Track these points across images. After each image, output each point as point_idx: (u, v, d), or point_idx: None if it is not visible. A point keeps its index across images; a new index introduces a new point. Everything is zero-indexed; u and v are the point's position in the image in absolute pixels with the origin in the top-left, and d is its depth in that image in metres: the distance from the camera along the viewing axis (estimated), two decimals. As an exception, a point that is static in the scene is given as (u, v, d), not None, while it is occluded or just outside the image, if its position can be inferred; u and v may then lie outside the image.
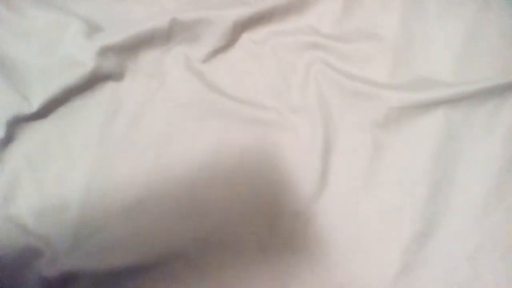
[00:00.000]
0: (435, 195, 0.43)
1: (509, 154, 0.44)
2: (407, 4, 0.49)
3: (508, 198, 0.42)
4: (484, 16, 0.50)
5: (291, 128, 0.45)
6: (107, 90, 0.46)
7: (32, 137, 0.44)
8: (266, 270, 0.41)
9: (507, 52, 0.48)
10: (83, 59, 0.45)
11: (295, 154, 0.45)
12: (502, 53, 0.48)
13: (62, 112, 0.45)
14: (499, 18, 0.50)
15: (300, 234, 0.42)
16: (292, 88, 0.47)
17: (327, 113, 0.46)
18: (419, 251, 0.41)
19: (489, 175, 0.43)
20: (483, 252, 0.41)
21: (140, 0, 0.50)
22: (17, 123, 0.43)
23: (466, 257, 0.41)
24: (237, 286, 0.40)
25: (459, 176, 0.43)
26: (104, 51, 0.45)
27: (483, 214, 0.42)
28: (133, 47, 0.46)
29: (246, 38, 0.49)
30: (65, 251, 0.40)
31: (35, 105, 0.44)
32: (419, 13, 0.49)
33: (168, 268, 0.40)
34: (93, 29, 0.47)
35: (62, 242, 0.40)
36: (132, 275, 0.40)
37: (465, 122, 0.45)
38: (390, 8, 0.49)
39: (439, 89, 0.45)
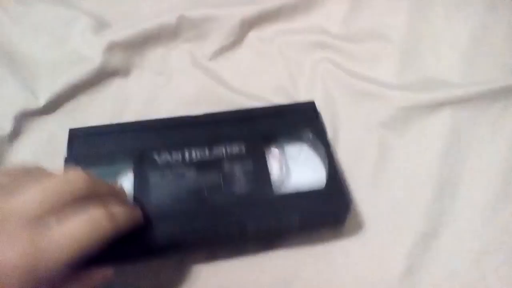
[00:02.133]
0: (440, 195, 0.42)
1: None
2: (414, 5, 0.50)
3: None
4: (491, 17, 0.50)
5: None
6: (114, 86, 0.46)
7: (39, 131, 0.44)
8: (269, 267, 0.41)
9: None
10: (90, 55, 0.45)
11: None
12: (509, 54, 0.48)
13: (69, 108, 0.45)
14: (506, 19, 0.50)
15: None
16: (299, 86, 0.47)
17: (334, 112, 0.46)
18: (424, 252, 0.41)
19: (495, 177, 0.43)
20: (488, 254, 0.41)
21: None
22: (25, 117, 0.44)
23: (471, 259, 0.40)
24: (239, 282, 0.40)
25: (465, 177, 0.43)
26: (111, 47, 0.45)
27: (489, 216, 0.42)
28: (140, 43, 0.46)
29: (253, 36, 0.49)
30: None
31: (42, 100, 0.44)
32: (426, 14, 0.50)
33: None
34: (100, 25, 0.47)
35: None
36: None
37: (472, 123, 0.45)
38: (397, 9, 0.50)
39: (445, 90, 0.45)
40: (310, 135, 0.40)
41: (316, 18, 0.50)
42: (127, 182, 0.38)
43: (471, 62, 0.48)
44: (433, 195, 0.42)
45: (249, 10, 0.48)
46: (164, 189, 0.36)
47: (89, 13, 0.48)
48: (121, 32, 0.46)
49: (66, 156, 0.39)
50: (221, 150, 0.39)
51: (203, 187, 0.37)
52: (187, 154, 0.38)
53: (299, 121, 0.41)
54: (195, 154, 0.38)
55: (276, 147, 0.40)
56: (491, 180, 0.43)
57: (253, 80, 0.47)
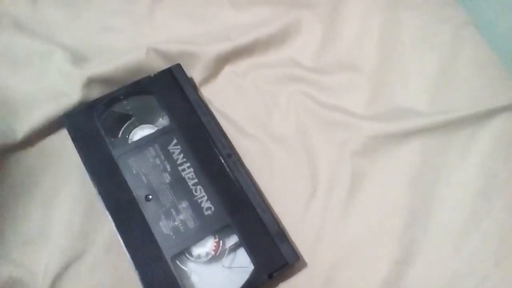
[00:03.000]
0: (412, 223, 0.43)
1: (484, 181, 0.45)
2: (384, 36, 0.51)
3: (484, 224, 0.43)
4: (457, 46, 0.52)
5: (272, 157, 0.46)
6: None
7: (17, 167, 0.45)
8: None
9: (481, 82, 0.50)
10: (69, 89, 0.46)
11: (277, 183, 0.45)
12: (476, 82, 0.50)
13: (48, 142, 0.46)
14: (472, 48, 0.52)
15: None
16: (273, 118, 0.48)
17: (308, 142, 0.47)
18: (398, 279, 0.41)
19: (464, 203, 0.44)
20: (460, 279, 0.41)
21: (124, 31, 0.52)
22: (2, 153, 0.44)
23: (444, 285, 0.41)
24: None
25: (436, 204, 0.44)
26: (90, 82, 0.46)
27: (460, 241, 0.43)
28: (119, 78, 0.47)
29: (228, 70, 0.50)
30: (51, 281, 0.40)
31: (19, 135, 0.45)
32: (396, 45, 0.51)
33: None
34: (77, 59, 0.48)
35: (48, 272, 0.40)
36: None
37: (441, 150, 0.46)
38: (367, 40, 0.51)
39: (414, 119, 0.47)
40: None
41: (289, 51, 0.52)
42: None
43: (438, 91, 0.49)
44: (405, 223, 0.43)
45: (224, 47, 0.50)
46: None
47: (65, 47, 0.49)
48: (99, 67, 0.47)
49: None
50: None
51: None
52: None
53: None
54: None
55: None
56: (461, 206, 0.44)
57: (229, 112, 0.48)
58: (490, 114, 0.47)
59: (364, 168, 0.45)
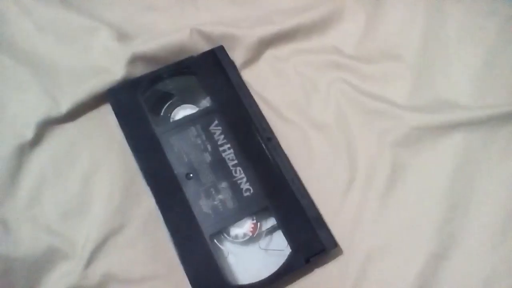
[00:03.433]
0: (452, 217, 0.43)
1: None
2: (427, 26, 0.50)
3: None
4: (504, 41, 0.50)
5: (311, 143, 0.46)
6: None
7: (60, 139, 0.45)
8: None
9: None
10: (113, 66, 0.47)
11: (315, 169, 0.45)
12: (520, 77, 0.49)
13: (90, 116, 0.47)
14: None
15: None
16: (313, 104, 0.48)
17: (348, 131, 0.47)
18: (434, 273, 0.41)
19: (505, 200, 0.43)
20: (498, 278, 0.40)
21: (168, 11, 0.52)
22: (46, 125, 0.45)
23: (482, 281, 0.40)
24: None
25: (476, 199, 0.43)
26: (134, 60, 0.47)
27: (499, 238, 0.42)
28: (162, 57, 0.48)
29: (270, 54, 0.50)
30: (90, 252, 0.41)
31: (64, 108, 0.45)
32: (440, 35, 0.50)
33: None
34: (122, 36, 0.49)
35: (87, 243, 0.41)
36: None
37: (484, 146, 0.45)
38: (411, 29, 0.50)
39: (458, 112, 0.46)
40: None
41: (331, 38, 0.51)
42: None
43: (482, 85, 0.48)
44: (444, 216, 0.43)
45: (267, 30, 0.49)
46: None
47: (110, 24, 0.50)
48: (144, 44, 0.47)
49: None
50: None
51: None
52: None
53: None
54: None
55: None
56: (501, 203, 0.43)
57: (269, 96, 0.48)
58: None
59: (404, 159, 0.45)
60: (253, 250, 0.41)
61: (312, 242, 0.39)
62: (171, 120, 0.46)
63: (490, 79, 0.49)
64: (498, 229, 0.42)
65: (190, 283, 0.37)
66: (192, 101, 0.47)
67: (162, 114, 0.46)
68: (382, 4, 0.52)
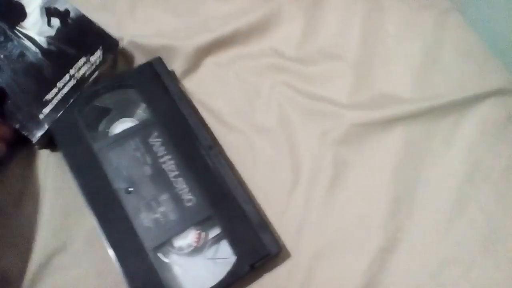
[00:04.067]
0: (397, 210, 0.43)
1: (469, 167, 0.45)
2: (366, 24, 0.51)
3: (469, 211, 0.43)
4: (441, 33, 0.51)
5: (255, 148, 0.46)
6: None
7: None
8: None
9: (464, 67, 0.50)
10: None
11: (260, 174, 0.45)
12: (459, 68, 0.50)
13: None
14: (457, 34, 0.52)
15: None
16: (256, 110, 0.48)
17: (291, 133, 0.46)
18: (381, 267, 0.41)
19: (450, 189, 0.44)
20: (446, 267, 0.41)
21: (105, 24, 0.51)
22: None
23: (429, 273, 0.41)
24: None
25: (420, 192, 0.44)
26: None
27: (445, 229, 0.42)
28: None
29: (210, 61, 0.50)
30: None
31: None
32: (378, 32, 0.51)
33: None
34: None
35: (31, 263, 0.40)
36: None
37: (425, 137, 0.46)
38: (350, 28, 0.51)
39: (398, 106, 0.46)
40: None
41: (271, 41, 0.51)
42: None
43: (423, 78, 0.49)
44: (389, 210, 0.43)
45: (204, 39, 0.49)
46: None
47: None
48: None
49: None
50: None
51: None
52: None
53: None
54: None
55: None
56: (446, 193, 0.44)
57: (211, 104, 0.48)
58: (476, 99, 0.47)
59: (347, 157, 0.45)
60: (199, 260, 0.40)
61: (255, 247, 0.39)
62: (109, 135, 0.45)
63: (431, 71, 0.50)
64: (444, 219, 0.43)
65: None
66: (131, 114, 0.46)
67: (100, 129, 0.45)
68: (320, 5, 0.53)
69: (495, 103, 0.47)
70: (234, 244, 0.39)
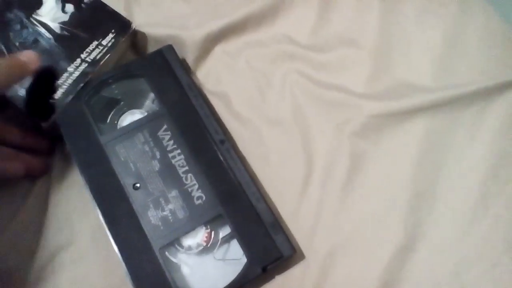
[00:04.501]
0: (417, 206, 0.41)
1: (494, 160, 0.42)
2: (384, 8, 0.48)
3: (494, 208, 0.40)
4: (464, 17, 0.48)
5: (267, 141, 0.44)
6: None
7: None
8: None
9: (489, 54, 0.47)
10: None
11: (272, 168, 0.43)
12: (483, 55, 0.47)
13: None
14: (480, 19, 0.48)
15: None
16: (268, 100, 0.46)
17: (304, 124, 0.44)
18: (401, 266, 0.39)
19: (473, 184, 0.41)
20: (468, 266, 0.39)
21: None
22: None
23: (450, 272, 0.39)
24: None
25: (442, 186, 0.42)
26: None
27: (468, 226, 0.40)
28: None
29: (219, 50, 0.48)
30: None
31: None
32: (397, 17, 0.48)
33: None
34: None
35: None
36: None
37: (447, 129, 0.43)
38: (367, 13, 0.48)
39: (419, 96, 0.44)
40: None
41: (283, 27, 0.49)
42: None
43: (444, 66, 0.46)
44: (409, 206, 0.41)
45: (215, 24, 0.47)
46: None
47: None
48: None
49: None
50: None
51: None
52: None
53: None
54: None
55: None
56: (470, 187, 0.41)
57: (221, 94, 0.46)
58: (501, 88, 0.44)
59: (364, 150, 0.43)
60: (209, 260, 0.38)
61: (268, 249, 0.37)
62: (118, 127, 0.43)
63: (452, 59, 0.47)
64: (467, 215, 0.41)
65: None
66: (140, 105, 0.44)
67: (108, 121, 0.44)
68: None
69: (522, 92, 0.44)
70: (245, 245, 0.37)
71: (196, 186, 0.39)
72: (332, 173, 0.42)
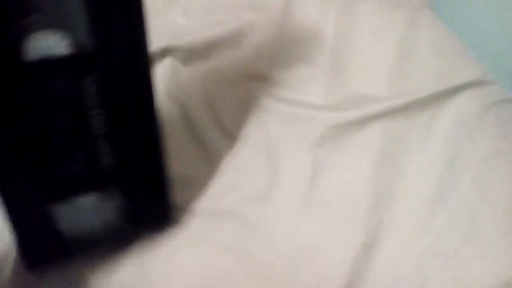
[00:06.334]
0: (377, 206, 0.43)
1: (448, 158, 0.45)
2: (339, 26, 0.52)
3: (450, 203, 0.43)
4: (415, 30, 0.53)
5: (233, 155, 0.46)
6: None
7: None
8: None
9: (440, 62, 0.51)
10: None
11: (238, 179, 0.45)
12: (435, 63, 0.51)
13: None
14: (430, 30, 0.53)
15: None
16: (232, 118, 0.48)
17: (267, 139, 0.47)
18: (365, 263, 0.41)
19: (429, 183, 0.44)
20: (428, 258, 0.41)
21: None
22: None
23: (412, 264, 0.40)
24: None
25: (400, 186, 0.44)
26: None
27: (427, 220, 0.42)
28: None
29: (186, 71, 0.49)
30: None
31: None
32: (352, 34, 0.52)
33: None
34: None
35: None
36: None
37: (402, 133, 0.47)
38: (323, 33, 0.52)
39: (373, 105, 0.47)
40: None
41: (244, 51, 0.51)
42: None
43: (398, 75, 0.50)
44: (370, 206, 0.43)
45: (179, 53, 0.49)
46: None
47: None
48: None
49: None
50: None
51: None
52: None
53: None
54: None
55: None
56: (426, 186, 0.44)
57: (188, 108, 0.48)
58: (451, 92, 0.48)
59: (324, 158, 0.46)
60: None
61: (149, 212, 0.38)
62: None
63: (405, 68, 0.50)
64: (425, 211, 0.43)
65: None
66: (66, 28, 0.29)
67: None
68: (291, 12, 0.54)
69: (470, 95, 0.48)
70: (128, 204, 0.37)
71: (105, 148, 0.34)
72: (295, 183, 0.44)
